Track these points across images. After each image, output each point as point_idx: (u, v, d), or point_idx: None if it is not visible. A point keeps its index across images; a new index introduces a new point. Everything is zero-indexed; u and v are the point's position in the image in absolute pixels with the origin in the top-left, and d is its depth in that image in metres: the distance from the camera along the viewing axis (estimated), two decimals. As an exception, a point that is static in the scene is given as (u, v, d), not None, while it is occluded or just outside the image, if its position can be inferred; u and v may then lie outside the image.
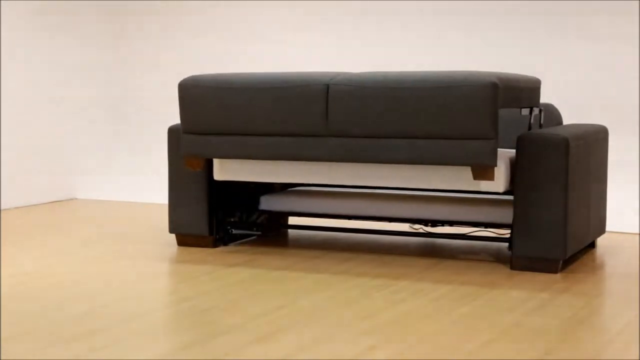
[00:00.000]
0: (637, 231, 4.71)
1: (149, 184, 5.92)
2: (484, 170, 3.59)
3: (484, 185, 3.72)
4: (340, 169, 3.90)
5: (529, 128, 4.02)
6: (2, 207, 5.52)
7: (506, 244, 4.20)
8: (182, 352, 2.65)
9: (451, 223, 4.13)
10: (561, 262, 3.74)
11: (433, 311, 3.12)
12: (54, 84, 5.93)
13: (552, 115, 4.33)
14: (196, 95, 3.96)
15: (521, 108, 4.00)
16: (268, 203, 4.39)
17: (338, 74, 3.84)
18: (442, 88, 3.59)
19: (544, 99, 4.94)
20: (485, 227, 4.07)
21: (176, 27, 6.07)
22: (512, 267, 3.78)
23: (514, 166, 3.78)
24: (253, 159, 3.90)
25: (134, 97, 6.21)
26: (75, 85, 6.07)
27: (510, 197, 4.08)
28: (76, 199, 6.08)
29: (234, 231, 4.31)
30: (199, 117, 3.95)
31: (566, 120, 4.88)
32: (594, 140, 4.00)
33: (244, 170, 4.06)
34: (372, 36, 5.52)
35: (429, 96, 3.60)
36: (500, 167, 3.72)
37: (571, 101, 5.03)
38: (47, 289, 3.42)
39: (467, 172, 3.72)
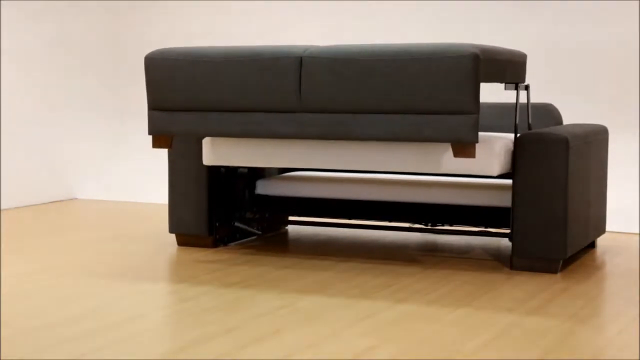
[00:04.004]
0: (637, 231, 4.71)
1: (149, 184, 5.92)
2: (464, 147, 3.46)
3: (479, 168, 3.67)
4: (339, 153, 3.81)
5: (516, 105, 3.88)
6: (2, 207, 5.52)
7: (506, 239, 4.20)
8: (182, 352, 2.65)
9: (451, 222, 4.12)
10: (561, 262, 3.74)
11: (433, 311, 3.12)
12: (53, 83, 5.93)
13: (552, 115, 4.33)
14: (163, 69, 3.81)
15: (505, 83, 3.83)
16: (265, 188, 4.34)
17: (311, 46, 3.70)
18: (421, 60, 3.45)
19: (544, 99, 4.94)
20: (485, 213, 4.02)
21: (177, 26, 6.07)
22: (512, 267, 3.78)
23: (515, 155, 3.74)
24: (223, 136, 3.75)
25: (134, 96, 6.21)
26: (75, 85, 6.07)
27: (509, 181, 4.06)
28: (76, 199, 6.08)
29: (237, 224, 4.29)
30: (167, 93, 3.81)
31: (566, 120, 4.88)
32: (594, 140, 4.00)
33: (235, 155, 3.97)
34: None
35: (407, 69, 3.47)
36: (494, 149, 3.65)
37: (571, 101, 5.03)
38: (46, 288, 3.42)
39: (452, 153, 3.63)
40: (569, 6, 5.09)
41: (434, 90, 3.44)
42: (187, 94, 3.78)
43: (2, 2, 5.52)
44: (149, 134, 3.88)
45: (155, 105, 3.85)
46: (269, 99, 3.66)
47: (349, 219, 4.26)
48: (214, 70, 3.73)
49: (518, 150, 3.72)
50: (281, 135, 3.66)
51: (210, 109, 3.76)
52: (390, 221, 4.20)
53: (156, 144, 3.89)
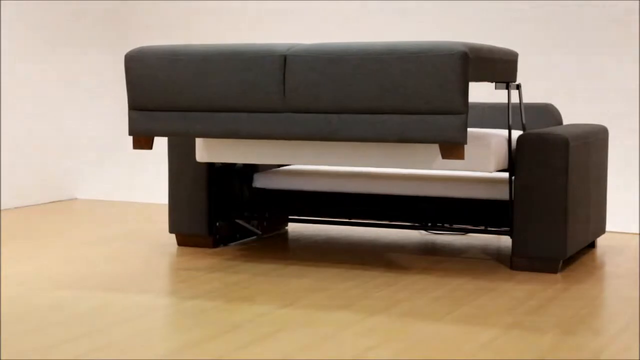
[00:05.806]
0: (637, 231, 4.71)
1: (149, 184, 5.92)
2: (452, 148, 3.36)
3: (475, 165, 3.64)
4: (332, 150, 3.78)
5: (508, 105, 3.82)
6: (2, 207, 5.52)
7: (506, 237, 4.18)
8: (183, 352, 2.65)
9: (451, 220, 4.11)
10: (561, 262, 3.74)
11: (433, 311, 3.12)
12: (53, 83, 5.93)
13: (552, 115, 4.33)
14: (143, 68, 3.70)
15: (495, 82, 3.74)
16: (262, 181, 4.33)
17: (295, 44, 3.59)
18: (408, 58, 3.35)
19: (544, 98, 4.94)
20: (485, 207, 4.01)
21: (178, 27, 6.08)
22: (512, 267, 3.78)
23: (515, 154, 3.73)
24: (205, 136, 3.65)
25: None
26: (75, 85, 6.07)
27: (505, 175, 4.06)
28: (76, 199, 6.08)
29: (237, 221, 4.29)
30: (147, 92, 3.70)
31: (566, 120, 4.88)
32: (594, 140, 4.00)
33: (228, 152, 3.93)
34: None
35: (394, 67, 3.37)
36: (489, 146, 3.63)
37: (571, 101, 5.03)
38: (46, 289, 3.42)
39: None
40: (569, 6, 5.08)
41: (422, 90, 3.34)
42: (168, 94, 3.68)
43: (1, 2, 5.52)
44: (129, 134, 3.77)
45: (136, 105, 3.75)
46: (252, 99, 3.56)
47: (347, 214, 4.25)
48: (195, 69, 3.63)
49: (518, 150, 3.72)
50: (265, 135, 3.56)
51: (191, 109, 3.66)
52: (390, 220, 4.20)
53: (137, 144, 3.77)
